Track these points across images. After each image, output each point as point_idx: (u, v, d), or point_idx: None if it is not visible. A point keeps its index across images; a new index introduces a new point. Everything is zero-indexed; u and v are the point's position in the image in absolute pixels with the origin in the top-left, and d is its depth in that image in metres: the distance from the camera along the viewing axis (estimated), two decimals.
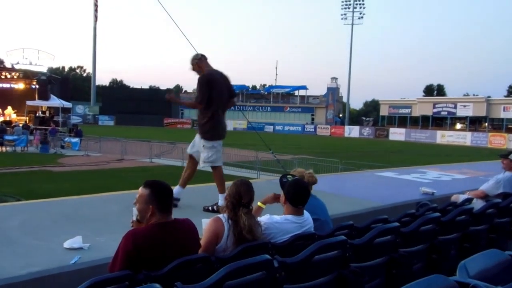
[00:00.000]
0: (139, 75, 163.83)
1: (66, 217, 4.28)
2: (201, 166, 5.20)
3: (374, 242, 2.60)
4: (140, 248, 2.18)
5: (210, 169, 5.21)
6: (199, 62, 5.05)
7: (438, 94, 77.35)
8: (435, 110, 58.78)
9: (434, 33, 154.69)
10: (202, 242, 2.52)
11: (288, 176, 3.11)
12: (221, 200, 4.74)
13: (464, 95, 70.38)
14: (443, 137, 52.18)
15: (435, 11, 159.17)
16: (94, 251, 3.17)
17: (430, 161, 18.63)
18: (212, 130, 5.06)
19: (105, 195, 5.81)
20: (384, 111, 65.73)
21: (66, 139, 27.51)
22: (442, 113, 58.41)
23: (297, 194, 2.90)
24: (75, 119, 45.08)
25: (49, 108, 34.16)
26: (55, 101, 33.42)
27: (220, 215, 2.64)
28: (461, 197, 5.26)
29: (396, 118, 63.36)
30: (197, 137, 5.23)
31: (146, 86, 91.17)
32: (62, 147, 26.06)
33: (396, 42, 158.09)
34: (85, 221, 4.13)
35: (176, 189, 4.92)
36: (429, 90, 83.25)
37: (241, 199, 2.61)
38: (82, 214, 4.40)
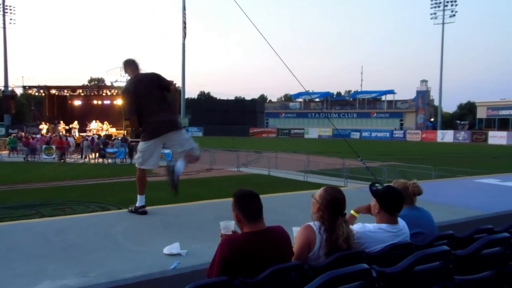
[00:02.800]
0: (226, 86, 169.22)
1: (164, 224, 4.51)
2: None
3: (480, 254, 2.41)
4: (235, 255, 2.24)
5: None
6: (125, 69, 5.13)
7: None
8: None
9: None
10: (294, 250, 2.51)
11: (377, 185, 3.01)
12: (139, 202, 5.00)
13: None
14: None
15: None
16: (191, 257, 3.30)
17: None
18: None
19: (197, 203, 6.04)
20: (481, 114, 61.28)
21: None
22: None
23: (392, 201, 2.80)
24: None
25: None
26: None
27: (311, 223, 2.60)
28: None
29: (496, 120, 58.77)
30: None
31: (232, 97, 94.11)
32: None
33: (492, 38, 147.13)
34: (182, 228, 4.33)
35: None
36: None
37: (337, 207, 2.56)
38: (180, 222, 4.62)
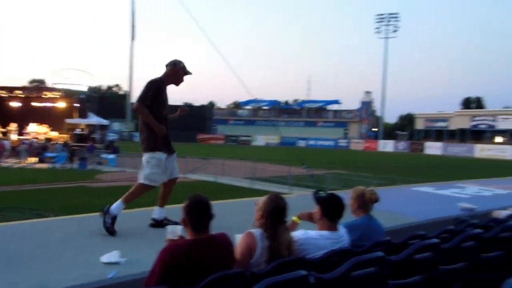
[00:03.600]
0: (174, 91, 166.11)
1: (104, 232, 4.37)
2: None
3: (412, 259, 2.53)
4: (176, 263, 2.20)
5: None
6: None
7: (476, 107, 75.26)
8: (473, 123, 57.25)
9: (472, 44, 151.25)
10: (236, 257, 2.51)
11: (321, 192, 3.09)
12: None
13: (504, 107, 68.09)
14: (482, 151, 50.57)
15: (472, 23, 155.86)
16: (131, 265, 3.21)
17: (468, 175, 18.05)
18: None
19: (141, 210, 5.90)
20: (419, 125, 64.49)
21: (103, 155, 28.26)
22: (481, 126, 56.81)
23: (333, 209, 2.88)
24: (111, 136, 46.28)
25: (87, 125, 35.29)
26: (93, 119, 34.59)
27: (253, 230, 2.61)
28: (504, 213, 5.07)
29: (432, 131, 61.99)
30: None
31: (180, 103, 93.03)
32: (99, 163, 26.77)
33: (432, 55, 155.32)
34: (121, 236, 4.21)
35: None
36: (467, 103, 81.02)
37: (278, 215, 2.58)
38: (119, 229, 4.48)
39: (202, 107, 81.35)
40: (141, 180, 4.58)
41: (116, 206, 4.36)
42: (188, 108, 4.99)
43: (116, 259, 3.27)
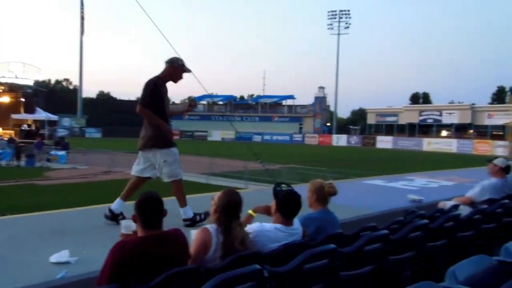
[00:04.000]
0: (127, 87, 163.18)
1: (53, 231, 4.22)
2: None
3: (363, 250, 2.60)
4: (127, 260, 2.16)
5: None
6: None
7: (424, 102, 78.33)
8: (421, 118, 59.50)
9: (419, 41, 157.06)
10: (191, 253, 2.49)
11: (283, 185, 3.09)
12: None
13: (450, 102, 71.29)
14: (430, 144, 52.72)
15: (420, 20, 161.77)
16: (81, 265, 3.12)
17: (417, 168, 18.79)
18: None
19: (93, 207, 5.75)
20: (371, 120, 66.32)
21: (52, 152, 27.21)
22: (428, 120, 59.15)
23: (289, 206, 2.89)
24: (61, 132, 44.65)
25: (35, 121, 33.84)
26: (41, 114, 33.18)
27: (208, 226, 2.60)
28: (448, 204, 5.30)
29: (383, 126, 63.97)
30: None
31: (133, 98, 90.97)
32: (49, 160, 25.74)
33: (382, 51, 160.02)
34: (72, 235, 4.08)
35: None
36: (415, 98, 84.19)
37: (231, 209, 2.58)
38: (69, 228, 4.35)
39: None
40: (171, 178, 4.85)
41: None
42: (195, 103, 5.00)
43: (65, 259, 3.17)
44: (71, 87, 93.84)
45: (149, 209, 2.33)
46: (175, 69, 4.78)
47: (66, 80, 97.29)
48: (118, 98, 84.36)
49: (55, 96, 52.60)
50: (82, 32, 59.96)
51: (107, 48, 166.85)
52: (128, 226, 2.55)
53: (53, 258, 3.17)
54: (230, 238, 2.50)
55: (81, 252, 3.38)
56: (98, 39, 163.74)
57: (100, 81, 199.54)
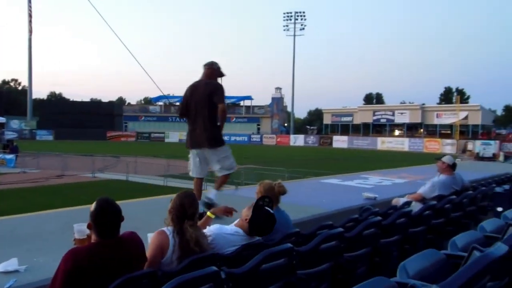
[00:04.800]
0: (80, 87, 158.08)
1: (1, 238, 4.03)
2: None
3: (319, 248, 2.65)
4: (81, 267, 2.09)
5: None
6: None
7: (377, 102, 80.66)
8: (375, 118, 61.20)
9: (372, 43, 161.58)
10: (147, 256, 2.45)
11: (266, 199, 3.02)
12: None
13: (401, 103, 73.71)
14: (383, 143, 54.37)
15: (373, 22, 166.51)
16: (32, 273, 2.99)
17: (372, 167, 19.32)
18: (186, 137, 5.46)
19: (44, 213, 5.53)
20: (327, 120, 67.55)
21: (0, 156, 26.00)
22: (382, 120, 60.92)
23: (262, 229, 2.85)
24: (10, 135, 42.72)
25: None
26: None
27: (165, 228, 2.57)
28: (401, 201, 5.49)
29: (339, 126, 65.30)
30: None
31: (87, 99, 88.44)
32: None
33: (337, 52, 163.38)
34: (21, 242, 3.91)
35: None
36: (369, 99, 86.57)
37: (184, 211, 2.55)
38: (19, 234, 4.16)
39: (110, 103, 78.02)
40: (230, 171, 5.43)
41: (213, 195, 5.12)
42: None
43: (14, 267, 3.03)
44: (19, 87, 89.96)
45: (107, 218, 2.24)
46: (213, 71, 5.22)
47: (14, 80, 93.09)
48: (71, 100, 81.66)
49: (2, 97, 50.05)
50: (30, 31, 57.53)
51: (58, 47, 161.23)
52: (81, 230, 2.47)
53: (1, 267, 3.03)
54: (185, 239, 2.47)
55: (31, 260, 3.24)
56: (49, 37, 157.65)
57: (51, 82, 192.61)
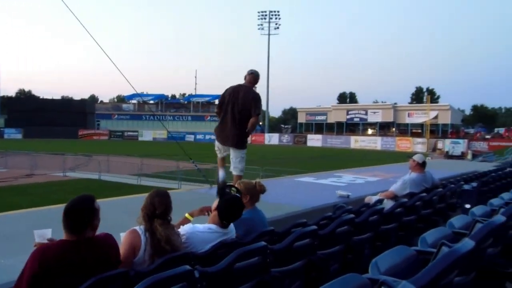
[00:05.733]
0: (50, 85, 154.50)
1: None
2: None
3: (293, 246, 2.66)
4: (47, 268, 2.05)
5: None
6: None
7: (350, 102, 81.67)
8: (348, 117, 61.99)
9: (345, 42, 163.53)
10: (120, 256, 2.44)
11: (233, 188, 3.04)
12: None
13: (374, 102, 74.94)
14: (356, 142, 55.17)
15: (345, 21, 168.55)
16: (4, 273, 2.91)
17: (345, 165, 19.55)
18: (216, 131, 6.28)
19: (12, 213, 5.38)
20: (301, 118, 68.03)
21: None
22: (355, 119, 61.77)
23: (229, 212, 2.87)
24: None
25: None
26: None
27: (137, 227, 2.56)
28: (374, 198, 5.58)
29: (313, 125, 65.86)
30: None
31: (58, 97, 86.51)
32: None
33: (311, 52, 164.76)
34: None
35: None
36: (343, 98, 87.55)
37: (155, 210, 2.56)
38: None
39: (82, 101, 76.60)
40: (240, 173, 6.02)
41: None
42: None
43: None
44: None
45: (75, 214, 2.21)
46: (255, 79, 6.07)
47: None
48: (41, 97, 79.64)
49: None
50: None
51: (27, 43, 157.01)
52: (42, 234, 2.42)
53: None
54: (156, 238, 2.48)
55: (1, 259, 3.16)
56: (19, 35, 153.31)
57: (20, 79, 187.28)
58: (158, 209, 2.56)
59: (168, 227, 2.58)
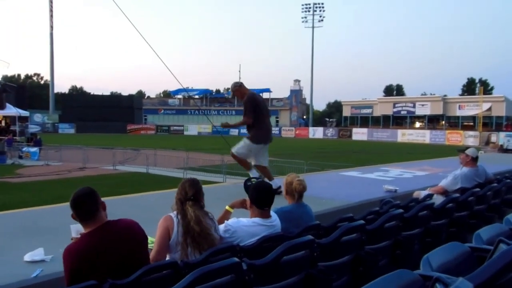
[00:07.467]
0: (100, 81, 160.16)
1: (26, 229, 4.12)
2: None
3: (340, 241, 2.63)
4: (79, 263, 2.17)
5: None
6: (239, 89, 6.29)
7: (397, 94, 79.54)
8: (395, 110, 60.43)
9: (392, 34, 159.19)
10: (155, 239, 2.65)
11: (253, 179, 3.14)
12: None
13: (422, 94, 72.65)
14: (404, 135, 53.68)
15: (393, 14, 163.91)
16: (57, 262, 3.06)
17: (392, 159, 19.09)
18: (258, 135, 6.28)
19: (66, 204, 5.63)
20: (346, 112, 67.00)
21: (24, 149, 26.58)
22: (402, 112, 60.13)
23: (261, 197, 2.95)
24: (33, 128, 43.60)
25: (5, 117, 32.94)
26: (11, 110, 32.25)
27: (171, 213, 2.74)
28: (422, 193, 5.42)
29: (358, 118, 64.73)
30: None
31: (107, 93, 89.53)
32: (21, 157, 25.14)
33: (356, 44, 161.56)
34: (46, 233, 3.99)
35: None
36: (389, 90, 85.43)
37: (186, 194, 2.73)
38: (43, 225, 4.25)
39: (130, 96, 78.85)
40: (267, 164, 6.36)
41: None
42: None
43: (40, 257, 3.11)
44: (41, 82, 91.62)
45: (81, 203, 2.33)
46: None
47: (37, 75, 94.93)
48: (91, 93, 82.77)
49: (25, 91, 51.21)
50: (51, 27, 58.56)
51: (80, 42, 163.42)
52: (78, 229, 2.52)
53: (27, 257, 3.10)
54: (187, 219, 2.64)
55: (56, 250, 3.31)
56: (72, 32, 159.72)
57: (73, 76, 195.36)
58: (189, 192, 2.73)
59: (198, 208, 2.71)
